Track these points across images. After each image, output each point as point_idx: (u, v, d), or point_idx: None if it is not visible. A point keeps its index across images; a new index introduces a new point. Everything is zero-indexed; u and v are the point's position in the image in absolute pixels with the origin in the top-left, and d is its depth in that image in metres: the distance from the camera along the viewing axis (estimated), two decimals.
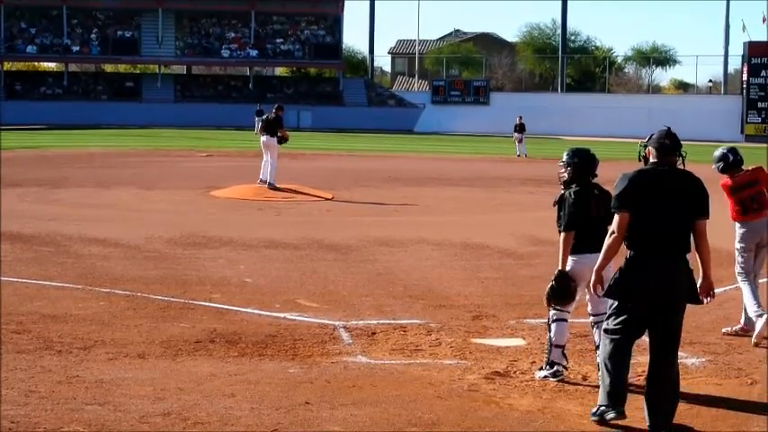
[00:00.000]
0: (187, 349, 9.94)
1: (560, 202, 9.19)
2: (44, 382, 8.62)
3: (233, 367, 9.31)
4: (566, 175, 9.20)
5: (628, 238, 7.72)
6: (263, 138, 27.00)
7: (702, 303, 7.87)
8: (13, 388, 8.41)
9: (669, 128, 7.99)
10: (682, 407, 8.13)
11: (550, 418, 7.98)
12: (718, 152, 11.34)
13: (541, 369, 9.13)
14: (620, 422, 7.73)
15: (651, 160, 7.88)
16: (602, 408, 7.80)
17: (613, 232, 7.75)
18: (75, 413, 7.78)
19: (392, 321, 11.38)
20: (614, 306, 7.80)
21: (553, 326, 9.05)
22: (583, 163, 9.23)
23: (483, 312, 11.95)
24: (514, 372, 9.30)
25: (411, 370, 9.37)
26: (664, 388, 7.73)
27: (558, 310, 9.06)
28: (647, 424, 7.72)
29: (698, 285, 7.76)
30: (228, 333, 10.62)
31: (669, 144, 7.82)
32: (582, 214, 8.96)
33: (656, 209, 7.65)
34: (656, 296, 7.62)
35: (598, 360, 8.12)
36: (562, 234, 9.08)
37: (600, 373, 7.98)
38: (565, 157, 9.25)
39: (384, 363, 9.62)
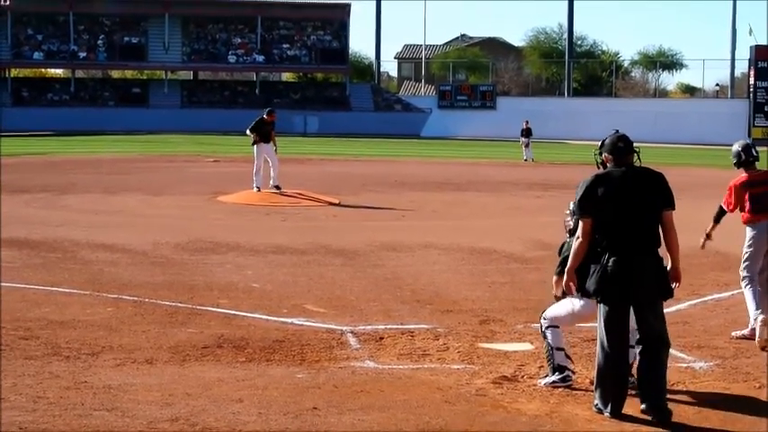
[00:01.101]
0: (195, 355, 9.94)
1: (561, 250, 9.15)
2: (52, 388, 8.62)
3: (241, 372, 9.32)
4: (571, 223, 9.20)
5: (599, 239, 7.97)
6: (264, 145, 26.70)
7: (672, 295, 8.12)
8: (21, 394, 8.42)
9: (617, 130, 8.32)
10: (690, 410, 8.16)
11: (558, 422, 7.98)
12: (733, 148, 11.39)
13: (546, 376, 9.08)
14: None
15: (608, 165, 8.17)
16: (599, 406, 8.12)
17: (578, 237, 8.10)
18: (84, 419, 7.78)
19: (400, 326, 11.37)
20: (600, 316, 8.07)
21: (548, 332, 9.06)
22: None
23: (490, 317, 11.95)
24: (522, 376, 9.29)
25: (419, 375, 9.37)
26: (653, 357, 7.99)
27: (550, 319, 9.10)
28: (642, 407, 7.98)
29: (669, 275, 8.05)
30: (236, 338, 10.62)
31: (623, 146, 8.13)
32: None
33: (620, 208, 7.92)
34: (630, 292, 7.91)
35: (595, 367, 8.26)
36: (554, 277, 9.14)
37: (596, 378, 8.18)
38: (571, 206, 9.20)
39: (392, 368, 9.62)
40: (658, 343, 8.01)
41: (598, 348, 8.14)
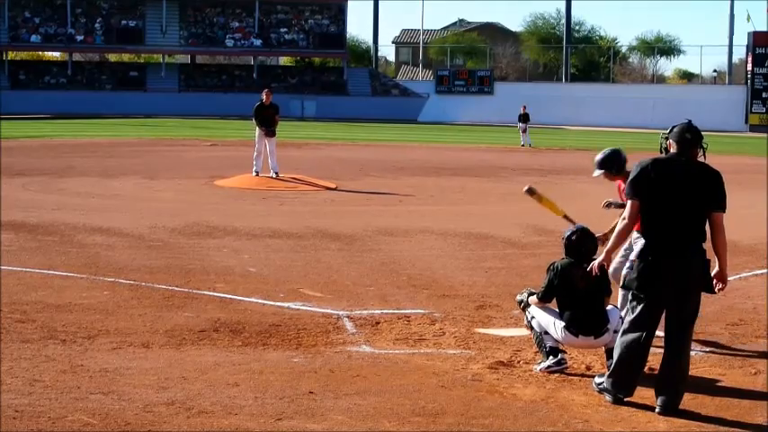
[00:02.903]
0: (191, 338, 9.95)
1: (548, 269, 9.14)
2: (48, 372, 8.63)
3: (237, 356, 9.32)
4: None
5: (642, 227, 7.87)
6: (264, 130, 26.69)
7: (715, 293, 7.99)
8: (17, 377, 8.42)
9: (690, 121, 8.08)
10: (686, 396, 8.15)
11: (554, 407, 7.99)
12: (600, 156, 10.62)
13: (541, 361, 9.09)
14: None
15: (671, 152, 7.98)
16: (604, 386, 8.11)
17: (624, 218, 7.96)
18: (80, 402, 7.79)
19: (396, 311, 11.38)
20: (630, 299, 8.00)
21: (533, 321, 9.09)
22: (578, 242, 9.05)
23: (487, 302, 11.96)
24: (518, 362, 9.31)
25: (415, 359, 9.38)
26: (674, 371, 7.88)
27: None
28: (657, 406, 7.89)
29: (712, 274, 7.89)
30: (232, 322, 10.63)
31: (690, 138, 7.92)
32: (565, 287, 8.92)
33: (669, 198, 7.76)
34: (669, 284, 7.78)
35: (615, 351, 8.15)
36: (534, 298, 9.20)
37: (614, 361, 8.08)
38: (568, 233, 9.14)
39: (388, 352, 9.63)
40: (683, 336, 7.95)
41: (622, 341, 8.00)
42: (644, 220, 7.87)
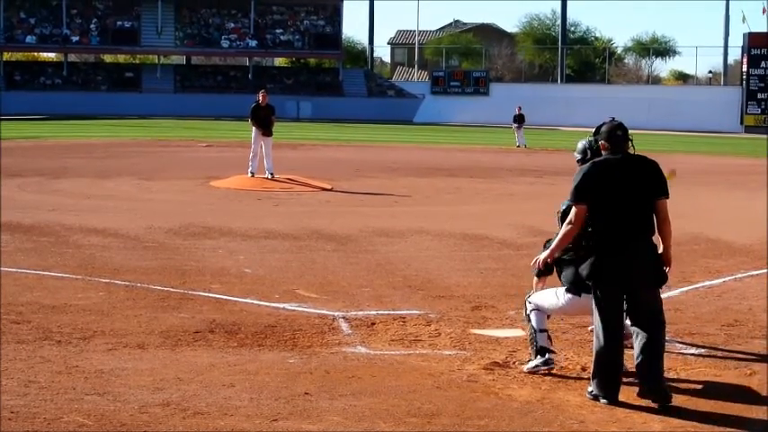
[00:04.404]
0: (186, 339, 9.94)
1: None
2: (44, 373, 8.62)
3: (232, 357, 9.32)
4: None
5: (593, 226, 8.05)
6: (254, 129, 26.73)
7: (666, 281, 8.20)
8: (12, 378, 8.41)
9: (614, 118, 8.38)
10: (680, 397, 8.18)
11: (549, 408, 7.99)
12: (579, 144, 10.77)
13: (530, 360, 9.09)
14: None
15: (603, 152, 8.24)
16: (596, 393, 8.16)
17: (570, 222, 8.17)
18: (75, 403, 7.79)
19: (391, 312, 11.38)
20: (594, 297, 8.13)
21: (532, 314, 9.08)
22: None
23: (482, 303, 11.96)
24: (513, 362, 9.31)
25: (410, 360, 9.38)
26: (649, 339, 8.04)
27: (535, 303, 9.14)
28: (640, 390, 8.07)
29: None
30: (228, 323, 10.62)
31: (621, 134, 8.18)
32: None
33: (617, 195, 7.99)
34: (625, 277, 7.99)
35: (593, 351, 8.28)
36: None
37: (594, 366, 8.19)
38: (562, 206, 9.22)
39: (383, 353, 9.63)
40: (653, 324, 8.08)
41: (594, 337, 8.18)
42: (594, 221, 8.05)
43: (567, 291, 8.78)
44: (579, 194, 8.08)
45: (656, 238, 8.16)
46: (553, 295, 8.94)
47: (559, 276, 8.97)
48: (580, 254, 8.24)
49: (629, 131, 8.29)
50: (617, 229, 7.98)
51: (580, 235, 8.21)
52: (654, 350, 8.03)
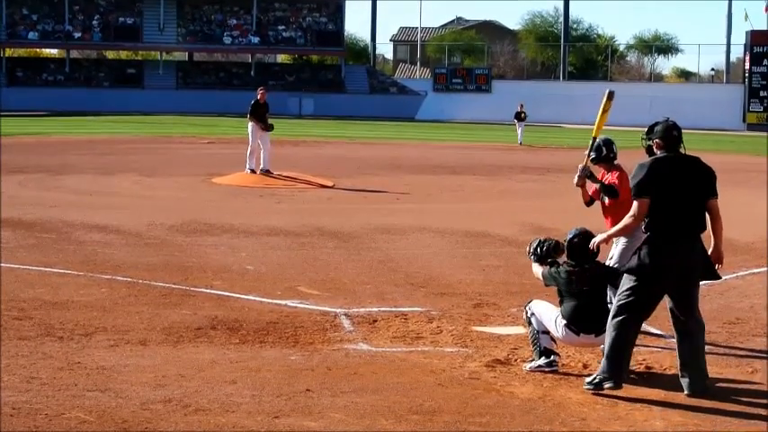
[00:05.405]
0: (188, 336, 9.95)
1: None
2: (45, 369, 8.63)
3: (234, 354, 9.32)
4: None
5: (649, 221, 8.23)
6: (250, 125, 26.67)
7: (720, 278, 8.59)
8: (14, 374, 8.42)
9: (668, 118, 8.51)
10: (682, 395, 8.18)
11: (551, 405, 7.99)
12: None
13: (532, 360, 9.08)
14: (615, 392, 8.22)
15: (657, 151, 8.37)
16: (601, 377, 8.25)
17: (632, 215, 8.29)
18: (77, 400, 7.79)
19: (393, 309, 11.39)
20: (631, 284, 8.26)
21: (532, 318, 9.08)
22: (581, 244, 9.06)
23: (484, 300, 11.96)
24: (515, 360, 9.31)
25: (412, 357, 9.38)
26: (696, 353, 8.37)
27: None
28: (686, 389, 8.28)
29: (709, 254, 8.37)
30: (230, 320, 10.63)
31: (676, 135, 8.35)
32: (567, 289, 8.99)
33: (674, 193, 8.17)
34: (675, 274, 8.18)
35: (607, 333, 8.38)
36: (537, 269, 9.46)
37: (606, 345, 8.33)
38: (570, 235, 9.18)
39: (385, 350, 9.63)
40: (699, 327, 8.41)
41: (617, 323, 8.25)
42: (652, 215, 8.19)
43: (567, 327, 8.79)
44: (641, 189, 8.23)
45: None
46: (552, 318, 8.94)
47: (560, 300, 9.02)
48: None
49: (640, 128, 8.41)
50: (673, 225, 8.18)
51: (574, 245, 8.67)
52: (700, 352, 8.42)
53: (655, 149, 8.41)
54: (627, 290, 8.26)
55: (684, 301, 8.33)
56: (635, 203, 8.27)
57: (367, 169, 30.90)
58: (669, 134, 8.33)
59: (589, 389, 8.27)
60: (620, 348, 8.22)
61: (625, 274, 8.34)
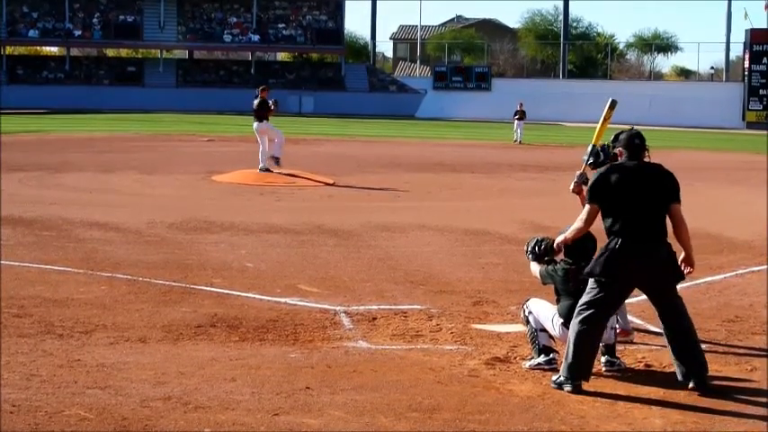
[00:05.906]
0: (188, 334, 9.96)
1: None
2: (45, 366, 8.64)
3: (234, 352, 9.33)
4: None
5: (608, 226, 8.35)
6: (255, 124, 26.74)
7: (684, 278, 8.52)
8: (14, 372, 8.43)
9: (633, 127, 8.71)
10: (681, 393, 8.19)
11: (550, 403, 8.00)
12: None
13: (531, 358, 9.10)
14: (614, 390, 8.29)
15: (620, 158, 8.53)
16: (562, 379, 8.34)
17: (582, 219, 8.52)
18: (77, 397, 7.80)
19: (393, 307, 11.39)
20: (592, 285, 8.37)
21: (530, 317, 9.11)
22: (578, 242, 9.08)
23: (484, 298, 11.97)
24: (515, 358, 9.32)
25: (411, 355, 9.39)
26: (687, 338, 8.42)
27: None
28: (691, 384, 8.33)
29: (680, 260, 8.45)
30: (229, 318, 10.64)
31: (639, 143, 8.51)
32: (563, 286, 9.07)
33: (631, 199, 8.27)
34: (636, 277, 8.30)
35: (569, 335, 8.49)
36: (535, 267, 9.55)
37: (568, 348, 8.41)
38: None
39: (385, 348, 9.64)
40: (687, 321, 8.45)
41: (578, 324, 8.32)
42: (608, 221, 8.34)
43: (564, 325, 8.80)
44: (592, 195, 8.40)
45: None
46: (549, 317, 8.96)
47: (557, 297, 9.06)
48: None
49: (641, 127, 8.48)
50: (630, 229, 8.23)
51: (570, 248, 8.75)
52: (694, 345, 8.45)
53: (618, 157, 8.55)
54: (588, 291, 8.38)
55: (667, 306, 8.41)
56: (585, 207, 8.50)
57: (367, 167, 30.91)
58: (631, 142, 8.46)
59: (554, 387, 8.35)
60: (581, 349, 8.27)
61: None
